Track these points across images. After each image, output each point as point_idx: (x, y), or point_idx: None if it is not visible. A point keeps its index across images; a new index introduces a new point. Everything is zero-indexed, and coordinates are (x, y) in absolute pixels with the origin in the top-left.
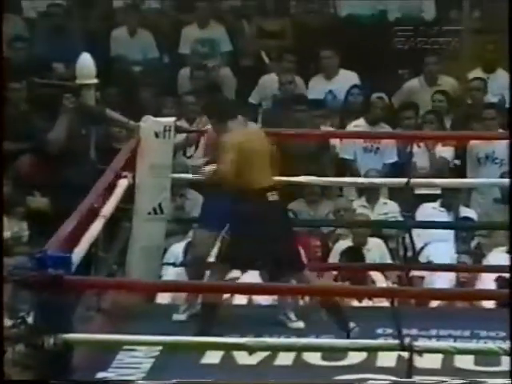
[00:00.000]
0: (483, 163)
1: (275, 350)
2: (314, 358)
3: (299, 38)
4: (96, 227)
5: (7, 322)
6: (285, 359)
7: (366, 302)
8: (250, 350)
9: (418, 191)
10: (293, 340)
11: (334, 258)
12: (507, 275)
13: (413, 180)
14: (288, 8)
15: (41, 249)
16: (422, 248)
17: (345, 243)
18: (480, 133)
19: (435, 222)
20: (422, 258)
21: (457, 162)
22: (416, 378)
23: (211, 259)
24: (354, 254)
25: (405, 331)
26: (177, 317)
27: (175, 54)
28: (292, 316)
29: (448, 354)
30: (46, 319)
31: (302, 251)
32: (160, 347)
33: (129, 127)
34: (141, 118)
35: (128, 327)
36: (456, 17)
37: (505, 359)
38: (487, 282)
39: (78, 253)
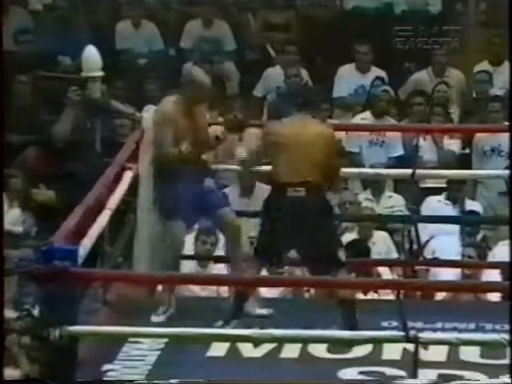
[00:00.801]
0: (489, 156)
1: (280, 342)
2: (319, 351)
3: (305, 30)
4: (102, 220)
5: (12, 314)
6: (290, 352)
7: (371, 295)
8: (255, 341)
9: (423, 184)
10: (298, 332)
11: None
12: None
13: (418, 171)
14: (294, 1)
15: (46, 241)
16: (428, 241)
17: (350, 236)
18: (486, 126)
19: (441, 216)
20: (428, 252)
21: (466, 151)
22: (421, 371)
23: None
24: (360, 246)
25: (410, 324)
26: (155, 318)
27: (180, 47)
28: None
29: (453, 345)
30: (52, 311)
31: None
32: (165, 340)
33: (135, 118)
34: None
35: (133, 320)
36: (462, 10)
37: (510, 352)
38: (492, 274)
39: (84, 245)
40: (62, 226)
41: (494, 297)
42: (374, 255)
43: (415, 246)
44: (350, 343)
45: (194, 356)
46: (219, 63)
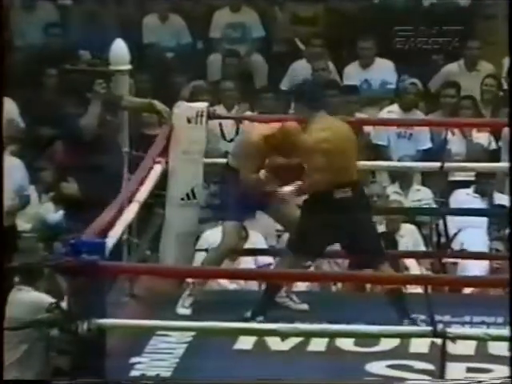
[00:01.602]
0: None
1: (307, 335)
2: (346, 344)
3: (333, 24)
4: (130, 213)
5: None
6: (317, 345)
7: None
8: (282, 335)
9: (452, 178)
10: (325, 326)
11: None
12: None
13: (447, 164)
14: None
15: (75, 234)
16: (456, 234)
17: (378, 229)
18: None
19: (469, 209)
20: (456, 245)
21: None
22: (449, 364)
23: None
24: (387, 239)
25: (438, 318)
26: (182, 311)
27: (208, 39)
28: (295, 298)
29: (481, 340)
30: (80, 304)
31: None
32: (193, 333)
33: (156, 110)
34: (174, 104)
35: (161, 313)
36: (491, 2)
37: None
38: None
39: (112, 238)
40: (97, 220)
41: None
42: (402, 248)
43: (443, 239)
44: (377, 337)
45: (221, 349)
46: (247, 56)
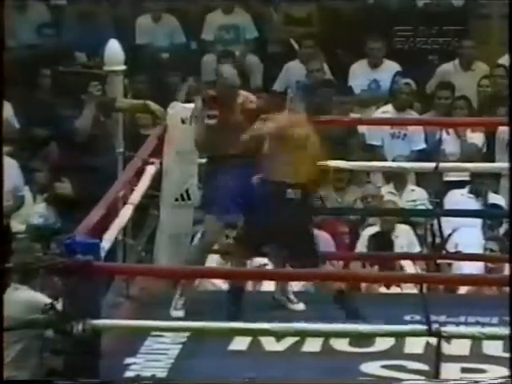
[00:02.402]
0: None
1: (302, 335)
2: (341, 344)
3: (327, 24)
4: (125, 214)
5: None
6: (312, 346)
7: (394, 289)
8: (277, 335)
9: (446, 178)
10: (320, 326)
11: (362, 243)
12: None
13: (441, 164)
14: None
15: (69, 235)
16: (450, 234)
17: (373, 229)
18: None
19: (463, 210)
20: (450, 245)
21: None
22: (444, 365)
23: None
24: (383, 238)
25: (433, 318)
26: (175, 313)
27: (201, 39)
28: (293, 298)
29: (476, 339)
30: (75, 305)
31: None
32: (188, 333)
33: (151, 111)
34: (168, 104)
35: (156, 313)
36: (485, 2)
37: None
38: None
39: (107, 239)
40: (85, 219)
41: None
42: (397, 248)
43: (438, 240)
44: (372, 337)
45: (216, 349)
46: (242, 56)
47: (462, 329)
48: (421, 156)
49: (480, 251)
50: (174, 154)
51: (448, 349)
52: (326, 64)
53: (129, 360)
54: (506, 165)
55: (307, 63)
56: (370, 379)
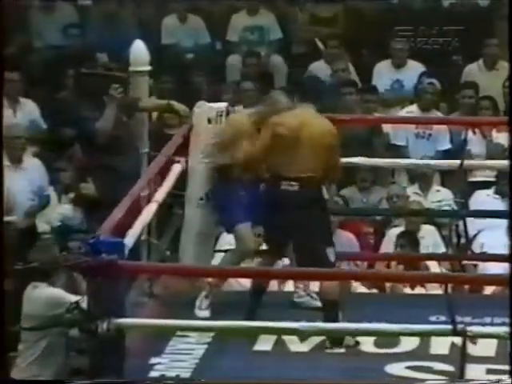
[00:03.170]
0: None
1: (328, 334)
2: (366, 345)
3: (352, 24)
4: (149, 212)
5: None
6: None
7: (418, 289)
8: (303, 334)
9: (472, 178)
10: (345, 325)
11: (387, 244)
12: None
13: (466, 162)
14: None
15: (94, 234)
16: (475, 235)
17: (398, 230)
18: None
19: (489, 211)
20: (476, 246)
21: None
22: (469, 366)
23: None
24: (409, 237)
25: (458, 318)
26: (201, 313)
27: (226, 40)
28: (315, 296)
29: (501, 338)
30: (100, 304)
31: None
32: (213, 334)
33: (175, 110)
34: (193, 104)
35: (180, 313)
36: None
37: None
38: None
39: (131, 238)
40: (108, 218)
41: None
42: (422, 249)
43: (463, 241)
44: (397, 336)
45: (241, 350)
46: (266, 56)
47: (487, 328)
48: (446, 156)
49: (506, 252)
50: (200, 154)
51: (473, 350)
52: (350, 64)
53: (153, 360)
54: None
55: (332, 63)
56: (395, 380)
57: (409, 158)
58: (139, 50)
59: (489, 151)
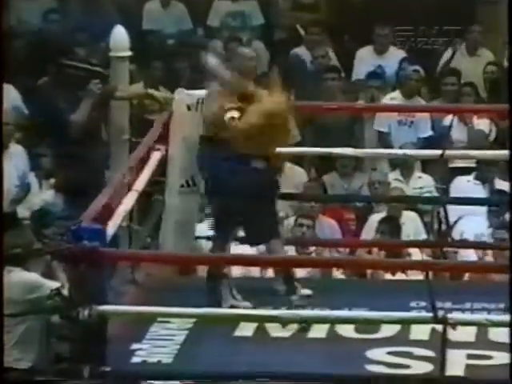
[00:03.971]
0: None
1: (308, 322)
2: (347, 331)
3: (333, 10)
4: (130, 200)
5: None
6: (318, 332)
7: (399, 275)
8: (283, 322)
9: (453, 164)
10: (326, 313)
11: (368, 230)
12: None
13: (447, 152)
14: None
15: (75, 221)
16: (456, 222)
17: (380, 215)
18: None
19: (470, 198)
20: (456, 232)
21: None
22: (450, 351)
23: None
24: (391, 223)
25: (439, 304)
26: (235, 302)
27: (207, 25)
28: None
29: (482, 326)
30: (81, 291)
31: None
32: (194, 320)
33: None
34: (175, 91)
35: (162, 300)
36: None
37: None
38: None
39: (112, 225)
40: (90, 206)
41: None
42: (404, 235)
43: (444, 227)
44: (378, 324)
45: (221, 336)
46: (248, 42)
47: (468, 316)
48: (428, 143)
49: (485, 239)
50: (180, 141)
51: (454, 335)
52: (332, 50)
53: (135, 346)
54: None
55: (313, 49)
56: (376, 366)
57: (391, 144)
58: (120, 35)
59: (470, 138)
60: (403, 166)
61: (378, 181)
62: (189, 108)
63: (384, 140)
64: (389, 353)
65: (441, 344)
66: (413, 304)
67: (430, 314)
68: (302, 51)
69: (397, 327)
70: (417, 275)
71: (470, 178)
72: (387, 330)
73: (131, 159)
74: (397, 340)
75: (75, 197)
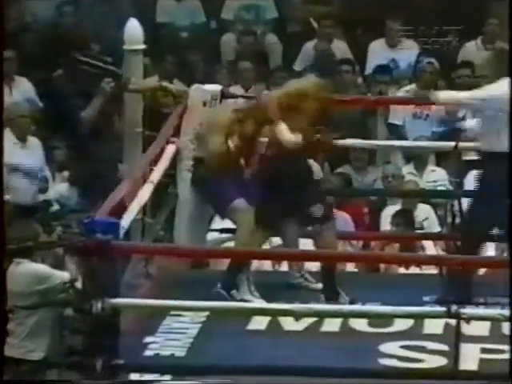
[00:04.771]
0: None
1: (322, 316)
2: (360, 325)
3: (346, 3)
4: (144, 193)
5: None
6: (331, 325)
7: (413, 269)
8: (296, 315)
9: (467, 157)
10: (340, 307)
11: (383, 222)
12: None
13: (461, 144)
14: None
15: (89, 214)
16: None
17: (394, 208)
18: None
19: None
20: None
21: None
22: (463, 345)
23: None
24: (406, 215)
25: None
26: (250, 297)
27: (221, 19)
28: (310, 278)
29: (496, 321)
30: (95, 284)
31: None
32: (207, 313)
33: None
34: (188, 84)
35: (175, 293)
36: None
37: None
38: None
39: (126, 219)
40: (107, 200)
41: None
42: (418, 227)
43: (458, 220)
44: (391, 318)
45: (234, 329)
46: (262, 35)
47: (482, 310)
48: (442, 136)
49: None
50: (192, 135)
51: (467, 329)
52: (345, 42)
53: (148, 339)
54: None
55: (321, 43)
56: (390, 359)
57: (406, 137)
58: (134, 28)
59: None
60: (417, 159)
61: (392, 174)
62: (204, 104)
63: (398, 133)
64: (402, 347)
65: (454, 338)
66: (426, 298)
67: (444, 309)
68: (314, 44)
69: (410, 321)
70: (430, 269)
71: None
72: (400, 324)
73: (149, 152)
74: (410, 334)
75: (88, 190)
